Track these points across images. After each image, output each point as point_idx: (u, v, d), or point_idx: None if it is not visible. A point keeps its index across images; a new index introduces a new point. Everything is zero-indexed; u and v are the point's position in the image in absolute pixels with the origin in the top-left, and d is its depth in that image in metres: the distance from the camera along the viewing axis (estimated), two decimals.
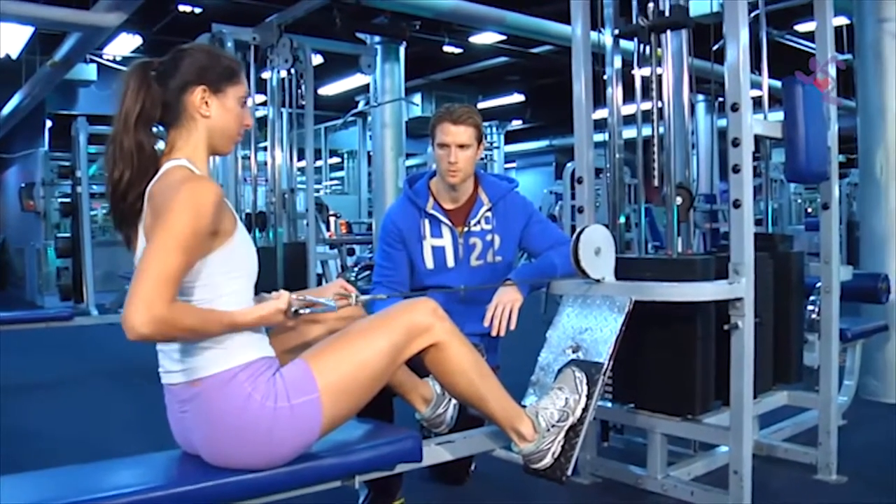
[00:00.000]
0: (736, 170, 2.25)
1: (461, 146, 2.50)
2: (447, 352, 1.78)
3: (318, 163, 13.08)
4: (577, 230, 2.27)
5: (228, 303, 1.60)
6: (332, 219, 8.99)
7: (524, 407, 1.96)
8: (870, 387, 3.84)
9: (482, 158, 2.59)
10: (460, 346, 1.81)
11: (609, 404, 2.66)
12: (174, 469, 1.63)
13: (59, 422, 3.87)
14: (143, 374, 4.64)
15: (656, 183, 2.58)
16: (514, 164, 19.08)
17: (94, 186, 11.90)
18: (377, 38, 7.82)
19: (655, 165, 2.57)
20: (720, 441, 2.44)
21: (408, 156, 9.15)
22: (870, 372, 3.82)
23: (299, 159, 5.65)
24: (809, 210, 13.64)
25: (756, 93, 2.60)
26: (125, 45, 8.91)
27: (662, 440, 2.54)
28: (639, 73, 2.66)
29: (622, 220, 2.86)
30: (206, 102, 1.67)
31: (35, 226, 9.43)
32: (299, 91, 5.43)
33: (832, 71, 2.62)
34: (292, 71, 5.38)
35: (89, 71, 9.09)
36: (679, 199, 2.65)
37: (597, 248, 2.28)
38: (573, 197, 9.15)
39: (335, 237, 8.50)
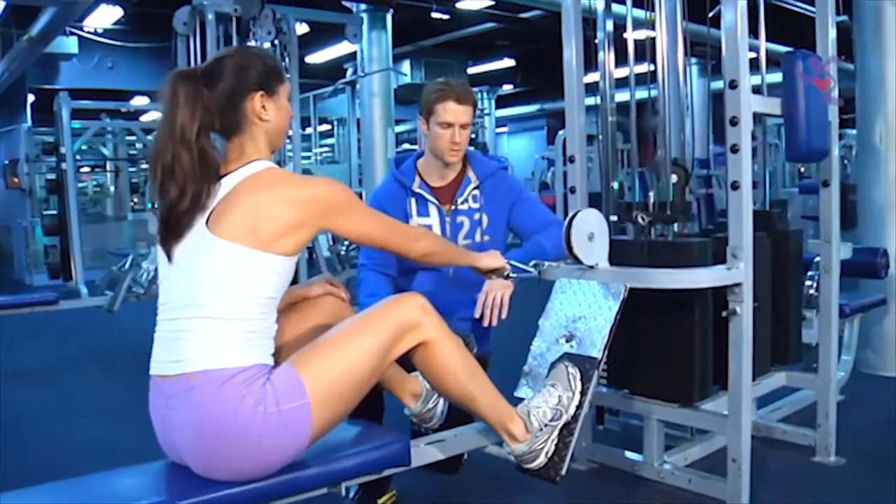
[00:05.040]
0: (734, 150, 2.16)
1: (463, 126, 2.44)
2: (436, 350, 1.71)
3: (308, 130, 12.91)
4: (570, 215, 2.19)
5: (266, 308, 1.61)
6: None
7: (516, 404, 1.89)
8: (868, 360, 3.80)
9: (472, 124, 2.53)
10: (449, 344, 1.73)
11: (604, 389, 2.60)
12: (155, 484, 1.56)
13: (46, 410, 3.80)
14: (132, 358, 4.61)
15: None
16: (505, 129, 18.93)
17: (83, 161, 11.83)
18: (363, 6, 7.64)
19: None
20: (718, 429, 2.39)
21: (397, 122, 9.00)
22: (868, 345, 3.77)
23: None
24: (802, 170, 13.52)
25: (752, 54, 2.52)
26: (106, 16, 8.70)
27: (659, 426, 2.49)
28: (631, 36, 2.58)
29: (615, 187, 2.80)
30: (264, 107, 1.68)
31: (21, 203, 9.26)
32: (283, 64, 5.31)
33: (833, 71, 2.51)
34: (276, 42, 5.27)
35: (70, 44, 8.88)
36: (675, 177, 2.58)
37: (590, 233, 2.20)
38: (565, 163, 9.08)
39: None
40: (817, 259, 2.79)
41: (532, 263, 2.22)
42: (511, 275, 2.15)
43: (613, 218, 2.28)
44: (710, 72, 2.82)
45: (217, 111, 1.64)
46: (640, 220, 2.37)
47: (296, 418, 1.52)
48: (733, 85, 2.15)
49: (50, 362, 4.84)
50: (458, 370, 1.74)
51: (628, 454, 2.62)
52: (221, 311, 1.55)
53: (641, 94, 2.61)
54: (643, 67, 2.60)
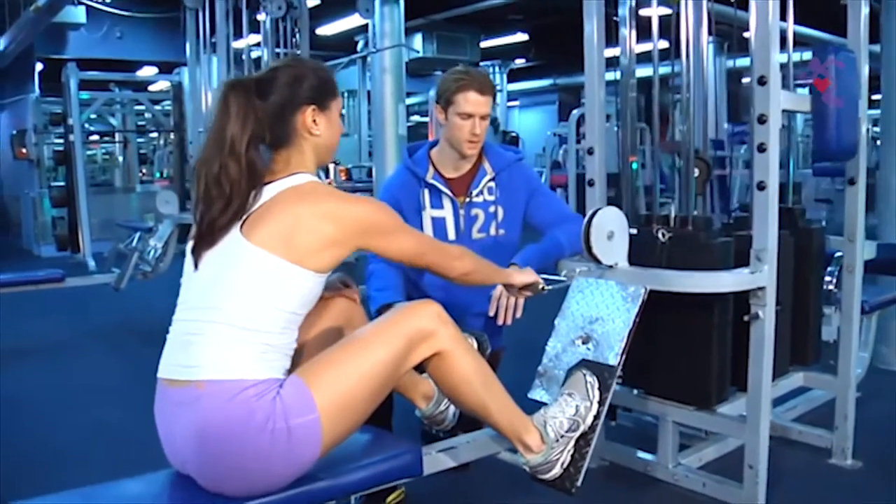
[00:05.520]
0: (762, 149, 2.08)
1: (483, 117, 2.37)
2: (451, 361, 1.65)
3: None
4: (589, 213, 2.12)
5: (287, 323, 1.56)
6: (331, 166, 8.77)
7: (529, 406, 1.85)
8: (882, 355, 3.73)
9: None
10: (465, 354, 1.68)
11: (618, 387, 2.54)
12: (159, 497, 1.52)
13: (50, 390, 3.78)
14: (138, 337, 4.61)
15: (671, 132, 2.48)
16: (516, 103, 18.74)
17: (92, 127, 11.75)
18: None
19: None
20: (736, 435, 2.32)
21: (408, 94, 8.88)
22: (882, 340, 3.69)
23: None
24: None
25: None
26: None
27: (674, 427, 2.44)
28: (656, 12, 2.53)
29: (634, 167, 2.74)
30: (315, 121, 1.67)
31: (29, 173, 9.23)
32: (294, 39, 5.24)
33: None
34: (287, 16, 5.20)
35: (78, 13, 8.75)
36: (697, 171, 2.51)
37: (609, 231, 2.13)
38: (578, 141, 8.93)
39: (335, 185, 8.33)
40: (838, 254, 2.72)
41: (564, 273, 2.16)
42: (546, 288, 2.09)
43: (633, 231, 2.21)
44: (727, 50, 2.74)
45: (267, 123, 1.62)
46: (660, 235, 2.29)
47: (306, 434, 1.47)
48: (762, 81, 2.06)
49: (55, 341, 4.81)
50: (472, 381, 1.69)
51: (641, 454, 2.58)
52: (240, 318, 1.50)
53: (659, 72, 2.56)
54: (657, 44, 2.55)
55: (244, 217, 1.56)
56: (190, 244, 1.61)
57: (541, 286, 2.09)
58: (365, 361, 1.56)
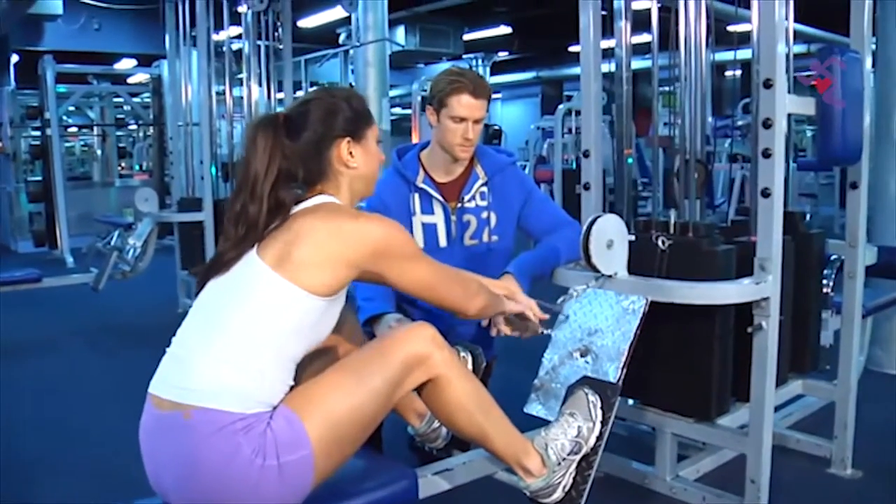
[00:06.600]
0: (766, 154, 2.00)
1: (476, 121, 2.28)
2: (446, 386, 1.57)
3: (300, 93, 12.62)
4: (588, 221, 2.04)
5: (280, 350, 1.47)
6: None
7: (525, 425, 1.77)
8: (875, 357, 3.68)
9: None
10: (460, 378, 1.60)
11: None
12: None
13: (25, 394, 3.64)
14: (117, 338, 4.49)
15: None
16: (499, 96, 18.66)
17: (70, 119, 11.49)
18: None
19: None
20: (737, 448, 2.25)
21: (390, 87, 8.78)
22: (875, 342, 3.63)
23: (278, 91, 5.45)
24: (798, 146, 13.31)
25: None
26: None
27: (672, 439, 2.37)
28: (654, 3, 2.48)
29: (630, 161, 2.70)
30: (351, 153, 1.61)
31: (5, 167, 9.02)
32: (276, 33, 5.15)
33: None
34: (269, 9, 5.13)
35: (55, 4, 8.56)
36: (696, 174, 2.45)
37: (609, 240, 2.06)
38: (563, 136, 8.79)
39: None
40: (833, 257, 2.67)
41: (560, 300, 2.08)
42: (540, 316, 1.99)
43: (630, 237, 2.13)
44: (714, 43, 2.69)
45: (300, 161, 1.56)
46: (660, 242, 2.21)
47: (297, 470, 1.39)
48: (768, 84, 1.99)
49: (31, 342, 4.66)
50: (469, 406, 1.61)
51: (637, 465, 2.50)
52: (238, 339, 1.43)
53: (644, 64, 2.55)
54: (646, 37, 2.52)
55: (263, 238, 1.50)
56: (200, 272, 1.55)
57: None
58: (358, 391, 1.48)
